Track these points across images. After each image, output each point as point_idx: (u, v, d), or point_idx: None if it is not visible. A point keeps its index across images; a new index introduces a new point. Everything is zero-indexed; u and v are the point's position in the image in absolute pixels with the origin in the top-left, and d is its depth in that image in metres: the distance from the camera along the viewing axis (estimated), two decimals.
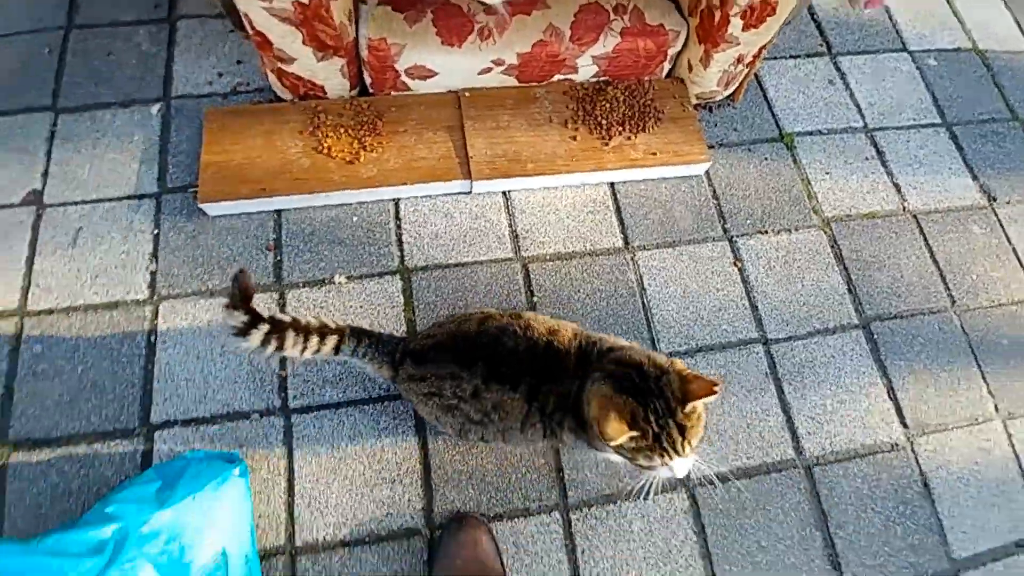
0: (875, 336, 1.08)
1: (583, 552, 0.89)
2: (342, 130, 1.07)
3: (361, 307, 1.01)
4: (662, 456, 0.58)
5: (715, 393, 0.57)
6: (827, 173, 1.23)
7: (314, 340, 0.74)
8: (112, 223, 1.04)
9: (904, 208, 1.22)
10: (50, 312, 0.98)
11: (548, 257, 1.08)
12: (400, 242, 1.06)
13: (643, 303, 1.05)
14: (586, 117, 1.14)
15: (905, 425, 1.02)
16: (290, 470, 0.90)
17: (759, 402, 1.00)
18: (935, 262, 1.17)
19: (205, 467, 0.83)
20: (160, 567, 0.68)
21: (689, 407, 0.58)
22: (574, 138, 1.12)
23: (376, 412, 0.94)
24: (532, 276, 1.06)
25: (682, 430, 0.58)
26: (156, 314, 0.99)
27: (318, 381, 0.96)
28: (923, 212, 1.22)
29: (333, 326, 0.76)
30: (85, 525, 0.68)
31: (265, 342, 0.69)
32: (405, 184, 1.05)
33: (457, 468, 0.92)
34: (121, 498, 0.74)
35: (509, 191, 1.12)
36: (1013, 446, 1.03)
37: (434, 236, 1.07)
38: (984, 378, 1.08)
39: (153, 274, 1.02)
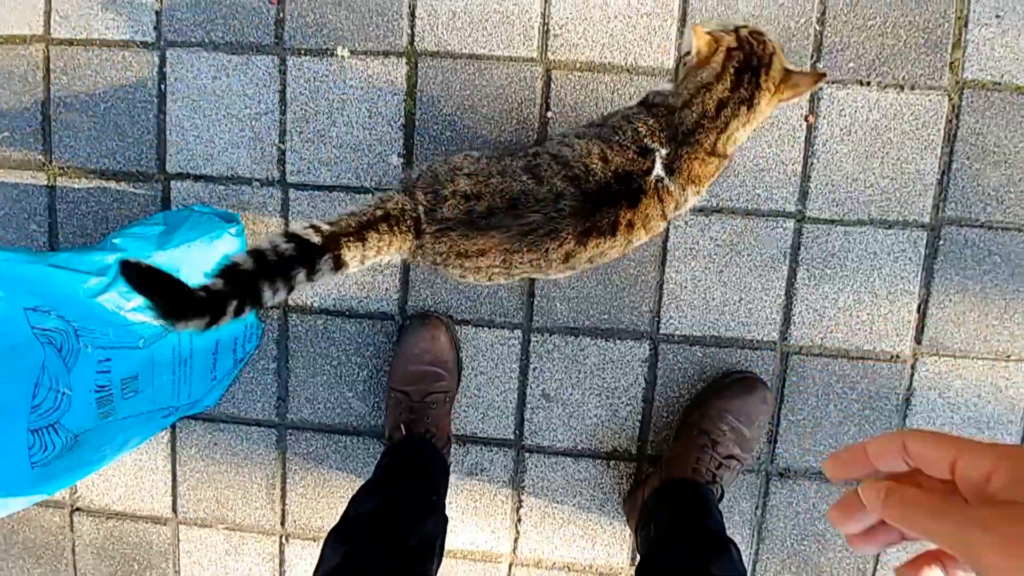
0: (941, 242, 0.90)
1: (535, 369, 0.96)
2: None
3: (361, 89, 0.93)
4: None
5: None
6: (998, 16, 0.88)
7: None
8: None
9: None
10: (71, 43, 0.97)
11: (578, 65, 0.91)
12: (413, 16, 0.92)
13: None
14: None
15: (919, 342, 0.92)
16: None
17: (762, 279, 0.92)
18: None
19: (204, 221, 0.90)
20: None
21: None
22: None
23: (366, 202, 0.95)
24: (553, 86, 0.91)
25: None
26: (164, 61, 0.96)
27: (314, 161, 0.95)
28: None
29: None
30: (94, 250, 0.78)
31: None
32: None
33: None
34: (128, 233, 0.83)
35: None
36: None
37: (452, 15, 0.91)
38: None
39: (158, 14, 0.96)
